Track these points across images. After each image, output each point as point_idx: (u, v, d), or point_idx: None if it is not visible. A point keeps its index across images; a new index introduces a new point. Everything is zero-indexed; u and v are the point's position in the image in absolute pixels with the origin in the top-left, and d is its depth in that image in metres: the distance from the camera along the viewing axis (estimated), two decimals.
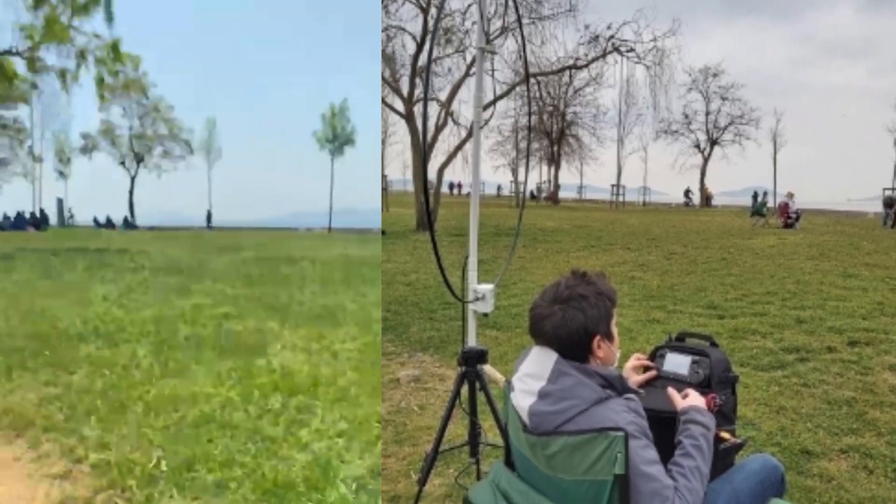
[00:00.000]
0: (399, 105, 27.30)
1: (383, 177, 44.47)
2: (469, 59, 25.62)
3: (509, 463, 2.92)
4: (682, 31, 32.18)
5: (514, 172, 55.54)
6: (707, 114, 63.80)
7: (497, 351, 8.15)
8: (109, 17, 24.97)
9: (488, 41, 3.90)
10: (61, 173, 60.20)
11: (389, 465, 5.24)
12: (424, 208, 22.60)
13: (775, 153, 57.69)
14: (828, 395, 6.54)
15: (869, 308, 10.21)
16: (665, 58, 31.22)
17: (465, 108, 28.39)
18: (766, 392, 6.64)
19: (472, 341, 3.95)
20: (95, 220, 54.40)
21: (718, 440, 2.77)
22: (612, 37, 30.03)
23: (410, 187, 41.62)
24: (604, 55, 30.40)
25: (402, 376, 7.47)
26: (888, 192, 37.63)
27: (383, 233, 24.83)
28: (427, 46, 22.06)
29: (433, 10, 24.44)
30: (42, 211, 52.75)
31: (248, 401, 5.88)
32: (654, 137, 64.08)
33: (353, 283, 14.08)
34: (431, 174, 28.88)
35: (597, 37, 30.63)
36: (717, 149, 63.94)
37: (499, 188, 69.89)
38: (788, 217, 27.93)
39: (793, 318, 9.66)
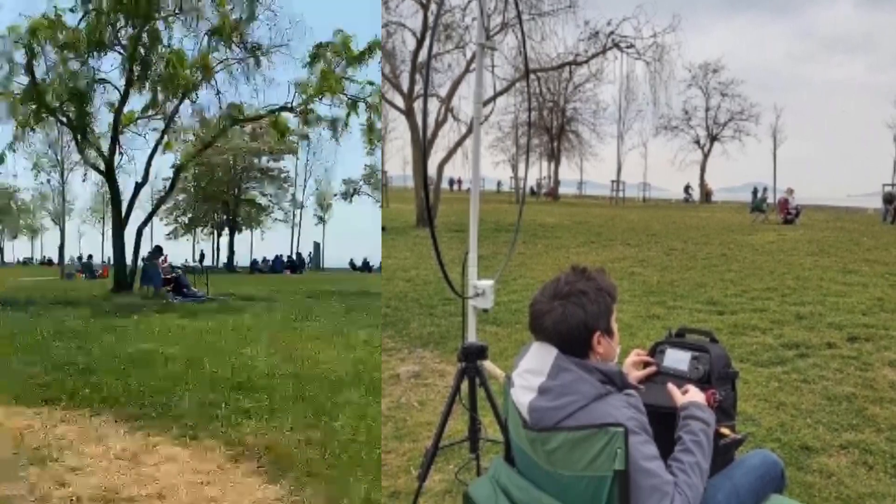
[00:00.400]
0: (399, 101, 27.29)
1: (383, 173, 44.48)
2: (469, 55, 25.53)
3: (509, 459, 2.93)
4: (681, 27, 32.07)
5: (514, 168, 55.45)
6: (707, 110, 63.55)
7: (497, 347, 8.15)
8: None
9: (488, 37, 3.90)
10: (321, 218, 61.09)
11: (390, 461, 5.25)
12: (424, 204, 22.60)
13: (775, 149, 57.63)
14: (827, 390, 6.54)
15: (869, 304, 10.20)
16: (665, 54, 31.22)
17: (465, 104, 28.34)
18: (765, 388, 6.64)
19: (472, 337, 3.95)
20: (351, 264, 54.43)
21: (718, 436, 2.77)
22: (612, 33, 30.03)
23: (410, 183, 41.62)
24: (604, 51, 30.40)
25: (402, 372, 7.48)
26: (888, 188, 37.54)
27: (384, 229, 24.82)
28: (427, 42, 22.13)
29: (433, 7, 24.37)
30: (299, 255, 54.28)
31: None
32: (654, 133, 63.94)
33: None
34: (431, 170, 28.83)
35: (597, 33, 30.62)
36: (716, 145, 63.75)
37: (499, 184, 69.65)
38: (788, 213, 27.87)
39: (792, 314, 9.65)
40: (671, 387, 2.88)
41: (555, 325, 2.59)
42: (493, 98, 27.30)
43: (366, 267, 52.74)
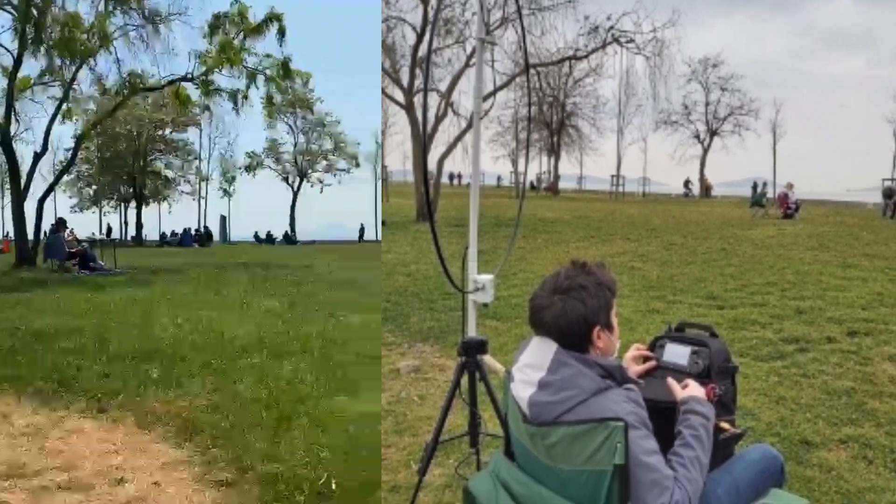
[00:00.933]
0: (399, 96, 27.27)
1: (383, 167, 44.49)
2: (469, 49, 25.53)
3: (509, 453, 2.93)
4: (681, 22, 32.17)
5: (514, 163, 55.57)
6: (707, 104, 63.63)
7: (497, 341, 8.15)
8: (282, 33, 25.28)
9: (488, 32, 3.90)
10: (226, 191, 61.26)
11: (390, 456, 5.25)
12: (424, 199, 22.58)
13: (775, 144, 57.81)
14: (827, 385, 6.55)
15: (868, 298, 10.21)
16: (665, 48, 31.17)
17: (465, 98, 28.35)
18: (765, 382, 6.65)
19: (472, 331, 3.96)
20: (256, 236, 54.72)
21: (718, 430, 2.78)
22: (611, 27, 30.00)
23: (410, 178, 41.61)
24: (603, 46, 30.35)
25: (403, 367, 7.48)
26: (887, 183, 37.57)
27: (384, 223, 24.85)
28: (427, 37, 22.04)
29: (433, 1, 24.37)
30: (206, 228, 54.11)
31: None
32: (654, 128, 64.01)
33: None
34: (431, 165, 28.79)
35: (596, 27, 30.58)
36: (716, 139, 63.82)
37: (499, 179, 69.68)
38: (788, 207, 27.88)
39: (792, 309, 9.66)
40: (671, 381, 2.88)
41: (555, 319, 2.59)
42: (493, 93, 27.27)
43: (269, 239, 53.51)
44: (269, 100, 26.14)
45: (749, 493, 2.78)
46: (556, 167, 63.72)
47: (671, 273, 13.24)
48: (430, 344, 8.53)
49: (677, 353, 3.15)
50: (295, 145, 61.98)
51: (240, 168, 61.19)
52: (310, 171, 62.11)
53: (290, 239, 54.65)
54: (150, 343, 8.60)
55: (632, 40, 30.17)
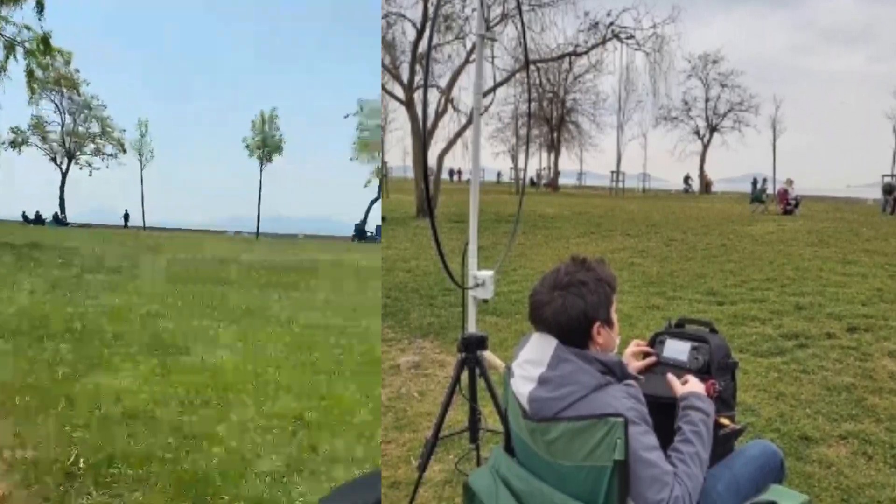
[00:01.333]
0: (399, 92, 27.26)
1: (383, 163, 44.47)
2: (469, 45, 25.50)
3: (509, 449, 2.93)
4: (681, 18, 32.23)
5: (514, 159, 55.48)
6: (706, 100, 63.74)
7: (497, 337, 8.15)
8: (40, 7, 24.90)
9: (488, 28, 3.90)
10: None
11: (389, 451, 5.26)
12: (424, 195, 22.57)
13: (774, 140, 57.73)
14: (827, 381, 6.55)
15: (868, 294, 10.22)
16: (665, 44, 31.25)
17: (464, 94, 28.31)
18: (765, 378, 6.65)
19: (471, 327, 3.96)
20: (24, 216, 54.05)
21: (718, 426, 2.78)
22: (611, 24, 30.00)
23: (410, 174, 41.54)
24: (603, 42, 30.36)
25: (403, 362, 7.48)
26: (887, 179, 37.61)
27: (384, 219, 24.85)
28: (427, 33, 22.15)
29: None
30: None
31: (172, 397, 5.93)
32: (654, 124, 64.02)
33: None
34: (431, 161, 28.82)
35: (596, 24, 30.60)
36: (716, 135, 63.93)
37: (499, 175, 69.65)
38: (788, 204, 27.88)
39: (792, 305, 9.66)
40: (671, 377, 2.88)
41: (555, 315, 2.59)
42: (493, 89, 27.29)
43: (38, 220, 53.10)
44: (30, 74, 25.76)
45: (749, 488, 2.78)
46: (556, 163, 63.76)
47: (671, 269, 13.25)
48: (430, 340, 8.54)
49: (677, 349, 3.15)
50: (62, 125, 61.29)
51: (3, 143, 59.25)
52: (78, 153, 61.70)
53: (59, 220, 54.44)
54: None
55: (632, 36, 30.20)
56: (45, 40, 25.45)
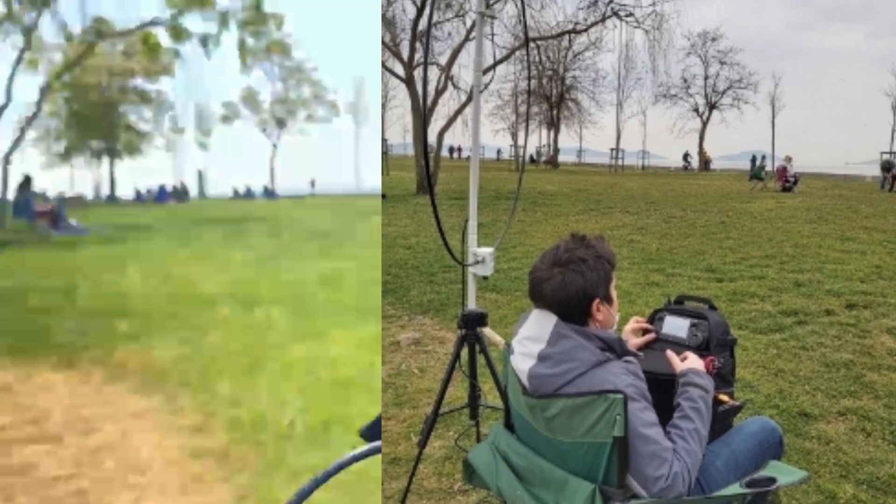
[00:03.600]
0: (399, 69, 27.17)
1: (383, 140, 44.34)
2: (469, 23, 25.39)
3: (509, 425, 2.94)
4: None
5: (514, 136, 55.38)
6: (706, 78, 63.74)
7: (497, 314, 8.17)
8: None
9: (488, 5, 3.89)
10: (202, 144, 59.11)
11: (390, 428, 5.27)
12: (424, 172, 22.57)
13: (773, 117, 57.81)
14: (826, 357, 6.56)
15: (867, 271, 10.21)
16: (664, 22, 31.05)
17: (464, 72, 28.25)
18: (764, 355, 6.66)
19: (471, 304, 3.96)
20: (235, 191, 53.58)
21: (717, 402, 2.79)
22: (611, 1, 29.75)
23: (411, 151, 41.44)
24: (603, 19, 30.17)
25: (403, 339, 7.49)
26: (886, 156, 37.56)
27: (384, 196, 24.79)
28: (427, 11, 22.06)
29: None
30: (182, 183, 52.37)
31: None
32: (653, 101, 64.21)
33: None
34: (431, 138, 28.75)
35: (596, 1, 30.33)
36: (715, 113, 63.96)
37: (498, 152, 69.60)
38: (786, 181, 27.85)
39: (791, 282, 9.67)
40: (670, 354, 2.89)
41: (554, 292, 2.59)
42: (493, 66, 27.18)
43: (248, 194, 52.75)
44: (241, 44, 25.48)
45: (748, 464, 2.78)
46: (555, 140, 63.72)
47: (670, 246, 13.24)
48: (430, 317, 8.55)
49: (676, 326, 3.16)
50: (273, 94, 59.73)
51: (216, 118, 59.16)
52: (290, 120, 60.27)
53: (269, 193, 53.92)
54: (120, 299, 8.65)
55: (631, 14, 30.02)
56: (257, 7, 25.24)
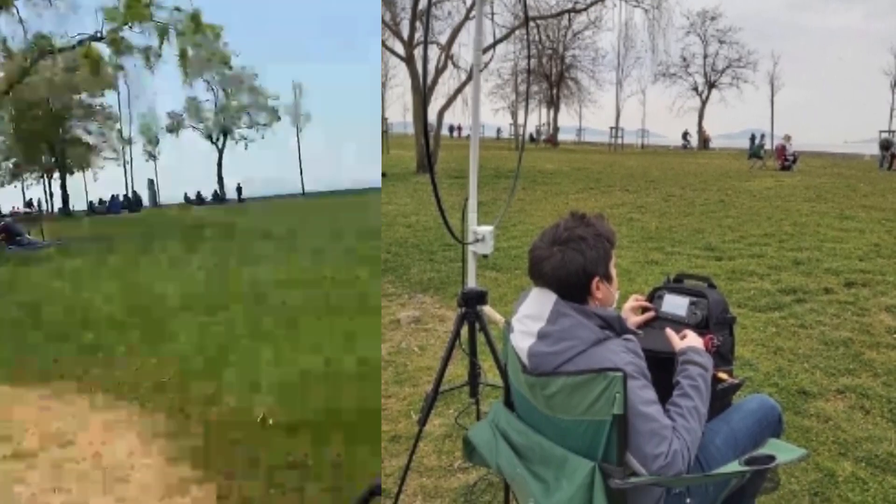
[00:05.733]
0: (399, 48, 27.11)
1: (383, 119, 44.25)
2: (469, 2, 25.33)
3: (509, 403, 2.95)
4: None
5: (514, 115, 55.36)
6: (705, 57, 63.69)
7: (497, 292, 8.18)
8: None
9: None
10: (151, 154, 59.59)
11: (390, 406, 5.29)
12: (425, 150, 22.54)
13: (773, 96, 57.77)
14: (825, 335, 6.58)
15: (865, 249, 10.22)
16: (663, 1, 31.04)
17: (464, 51, 28.24)
18: (763, 333, 6.68)
19: (471, 282, 3.96)
20: (186, 197, 54.52)
21: (716, 380, 2.79)
22: None
23: (411, 130, 41.34)
24: None
25: (403, 317, 7.51)
26: (885, 135, 37.50)
27: (384, 175, 24.77)
28: None
29: None
30: (135, 193, 53.57)
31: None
32: (653, 80, 64.31)
33: None
34: (431, 117, 28.73)
35: None
36: (714, 92, 63.95)
37: (498, 131, 69.42)
38: (786, 159, 27.80)
39: (790, 260, 9.67)
40: (669, 332, 2.89)
41: (554, 270, 2.59)
42: (493, 45, 27.18)
43: (199, 200, 53.81)
44: (182, 55, 25.60)
45: (747, 442, 2.79)
46: (555, 119, 63.69)
47: (669, 224, 13.25)
48: (430, 295, 8.56)
49: (676, 304, 3.16)
50: (216, 103, 60.99)
51: (162, 128, 59.76)
52: (233, 127, 61.35)
53: (219, 198, 55.10)
54: (85, 312, 8.76)
55: None
56: (195, 18, 25.41)
